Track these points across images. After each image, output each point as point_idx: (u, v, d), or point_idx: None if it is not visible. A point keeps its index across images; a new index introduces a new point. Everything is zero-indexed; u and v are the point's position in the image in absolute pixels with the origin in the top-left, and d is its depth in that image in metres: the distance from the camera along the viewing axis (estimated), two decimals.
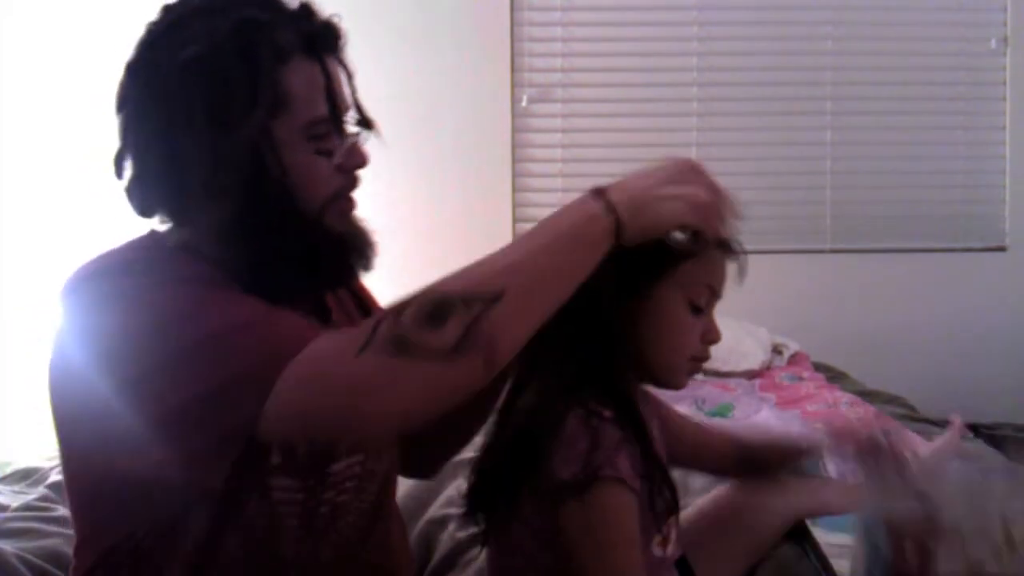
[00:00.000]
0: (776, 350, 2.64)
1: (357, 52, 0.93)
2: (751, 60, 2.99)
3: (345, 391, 0.75)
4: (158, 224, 0.93)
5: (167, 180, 0.87)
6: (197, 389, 0.77)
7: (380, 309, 1.11)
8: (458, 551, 1.30)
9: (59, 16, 2.73)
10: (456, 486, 1.42)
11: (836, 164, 2.99)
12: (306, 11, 0.90)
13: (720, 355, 2.28)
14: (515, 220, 2.96)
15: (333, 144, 0.90)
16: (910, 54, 2.98)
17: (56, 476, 1.63)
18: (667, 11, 2.98)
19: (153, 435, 0.78)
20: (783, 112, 2.99)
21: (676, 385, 0.95)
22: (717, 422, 1.98)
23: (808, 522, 1.15)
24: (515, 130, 2.97)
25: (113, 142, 0.91)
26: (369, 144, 0.93)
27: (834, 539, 1.09)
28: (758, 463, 1.15)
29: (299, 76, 0.87)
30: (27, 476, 1.72)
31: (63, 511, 1.44)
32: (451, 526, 1.35)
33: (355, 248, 0.94)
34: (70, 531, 0.97)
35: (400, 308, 0.77)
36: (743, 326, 2.54)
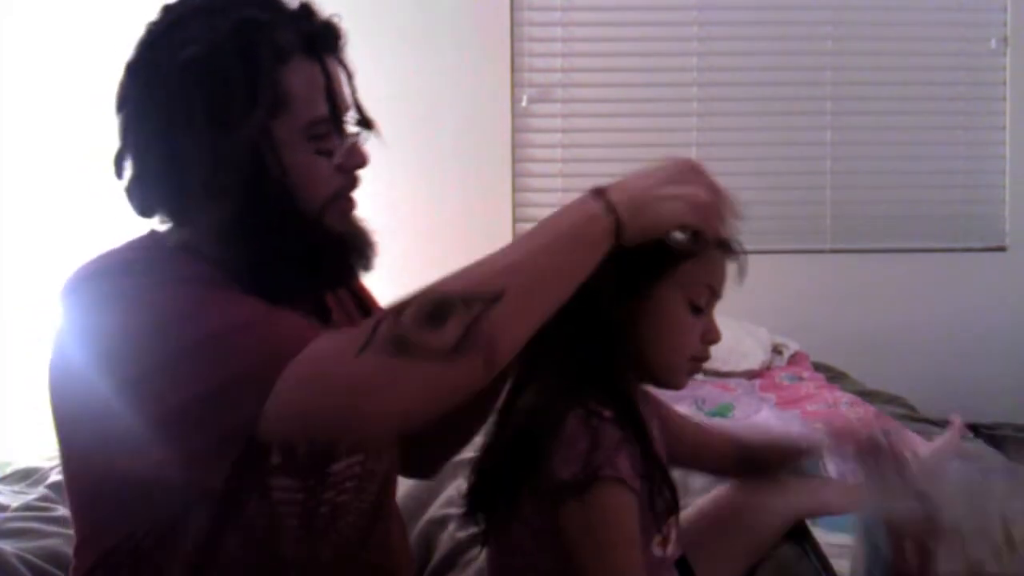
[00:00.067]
0: (776, 350, 2.64)
1: (357, 52, 0.93)
2: (751, 60, 2.99)
3: (345, 391, 0.75)
4: (158, 224, 0.93)
5: (167, 180, 0.87)
6: (197, 389, 0.77)
7: (380, 309, 1.11)
8: (458, 551, 1.30)
9: (59, 16, 2.73)
10: (456, 486, 1.42)
11: (836, 164, 2.99)
12: (306, 11, 0.90)
13: (720, 355, 2.28)
14: (515, 220, 2.96)
15: (333, 144, 0.90)
16: (910, 54, 2.98)
17: (56, 476, 1.63)
18: (667, 11, 2.98)
19: (153, 435, 0.78)
20: (783, 112, 2.99)
21: (676, 385, 0.95)
22: (717, 422, 1.98)
23: (808, 522, 1.15)
24: (515, 130, 2.97)
25: (113, 142, 0.91)
26: (369, 144, 0.93)
27: (834, 539, 1.09)
28: (758, 463, 1.15)
29: (299, 76, 0.87)
30: (27, 476, 1.72)
31: (63, 511, 1.44)
32: (451, 526, 1.35)
33: (355, 248, 0.94)
34: (70, 531, 0.97)
35: (400, 308, 0.77)
36: (743, 326, 2.54)
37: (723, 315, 0.95)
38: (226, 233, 0.89)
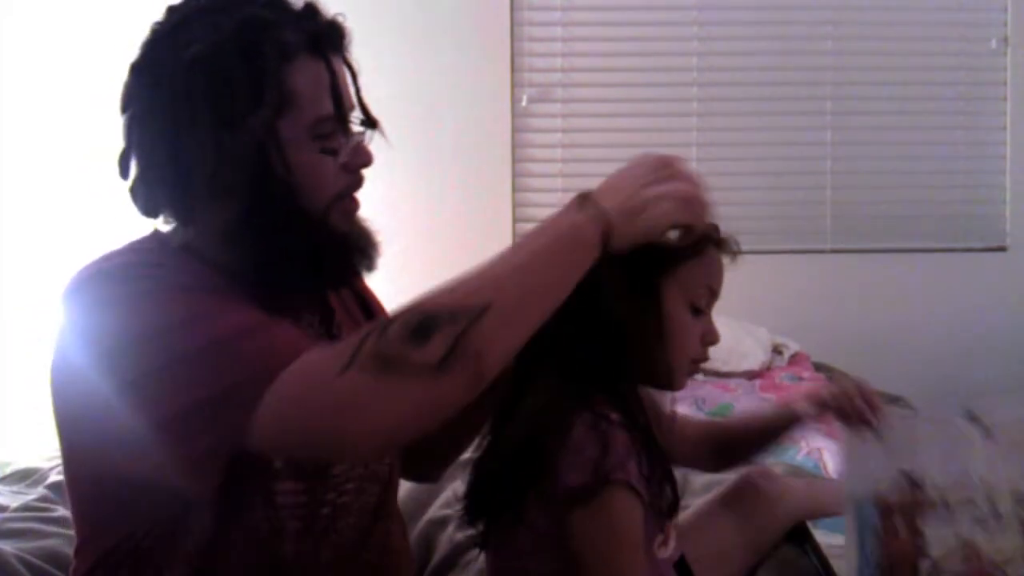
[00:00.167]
0: (776, 350, 2.64)
1: (357, 52, 0.93)
2: (751, 60, 2.99)
3: (328, 410, 0.74)
4: (162, 224, 0.93)
5: (172, 180, 0.87)
6: (185, 399, 0.76)
7: (382, 309, 1.12)
8: (458, 552, 1.29)
9: (59, 16, 2.73)
10: (456, 487, 1.41)
11: (836, 164, 2.99)
12: (311, 10, 0.90)
13: (720, 355, 2.28)
14: (515, 220, 2.95)
15: (338, 143, 0.90)
16: (910, 54, 2.97)
17: (56, 476, 1.62)
18: (667, 11, 2.98)
19: (147, 439, 0.77)
20: (783, 112, 2.99)
21: (676, 386, 0.95)
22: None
23: (808, 523, 1.15)
24: (515, 130, 2.96)
25: (115, 142, 0.91)
26: (371, 144, 0.93)
27: (834, 540, 1.09)
28: (735, 446, 1.14)
29: (304, 75, 0.87)
30: (27, 476, 1.72)
31: (63, 511, 1.44)
32: (451, 527, 1.35)
33: (359, 248, 0.94)
34: (70, 531, 0.97)
35: (386, 324, 0.75)
36: (743, 326, 2.53)
37: (723, 315, 0.95)
38: (230, 233, 0.88)
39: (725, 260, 0.94)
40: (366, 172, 0.93)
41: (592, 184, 0.88)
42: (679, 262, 0.90)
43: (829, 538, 1.10)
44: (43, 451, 1.80)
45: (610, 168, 0.89)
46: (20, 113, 2.65)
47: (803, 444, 1.72)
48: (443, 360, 0.73)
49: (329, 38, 0.90)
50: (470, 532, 1.25)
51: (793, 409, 1.10)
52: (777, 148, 2.99)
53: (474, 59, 2.94)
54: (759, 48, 2.98)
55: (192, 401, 0.76)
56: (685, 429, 1.13)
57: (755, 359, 2.52)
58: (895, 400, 2.22)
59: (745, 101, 2.98)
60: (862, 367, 2.55)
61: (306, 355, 0.77)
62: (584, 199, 0.84)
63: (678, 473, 1.04)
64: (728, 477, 1.21)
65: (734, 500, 1.15)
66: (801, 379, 2.43)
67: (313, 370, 0.76)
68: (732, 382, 2.38)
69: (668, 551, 0.95)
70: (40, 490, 1.59)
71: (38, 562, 1.30)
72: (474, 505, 0.96)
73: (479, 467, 0.96)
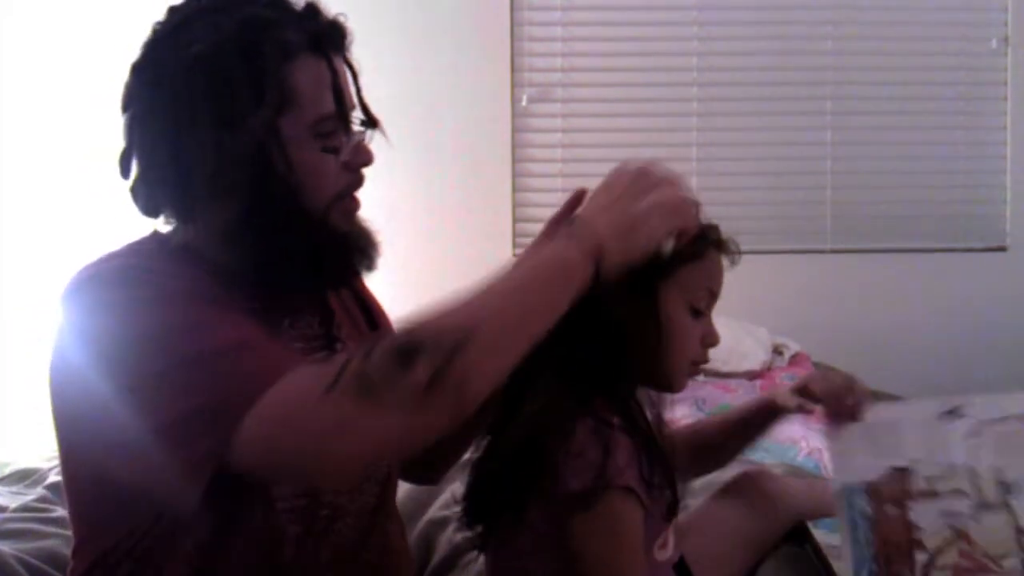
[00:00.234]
0: (777, 351, 2.64)
1: (358, 52, 0.93)
2: (751, 60, 2.98)
3: (307, 434, 0.74)
4: (162, 224, 0.93)
5: (173, 179, 0.87)
6: (170, 412, 0.76)
7: (382, 310, 1.12)
8: (458, 552, 1.29)
9: (60, 16, 2.73)
10: (455, 488, 1.41)
11: (836, 164, 2.99)
12: (312, 10, 0.90)
13: (720, 356, 2.28)
14: (515, 220, 2.95)
15: (339, 141, 0.90)
16: (911, 54, 2.97)
17: (55, 477, 1.62)
18: (667, 11, 2.98)
19: (142, 444, 0.77)
20: (783, 112, 2.99)
21: (676, 388, 0.95)
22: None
23: (808, 523, 1.15)
24: (515, 130, 2.96)
25: (115, 142, 0.91)
26: (372, 144, 0.93)
27: (834, 540, 1.08)
28: (714, 445, 1.13)
29: (306, 73, 0.87)
30: (26, 477, 1.71)
31: (61, 512, 1.43)
32: (451, 527, 1.35)
33: (358, 248, 0.94)
34: (69, 532, 0.97)
35: (370, 348, 0.74)
36: (743, 326, 2.53)
37: (723, 315, 0.95)
38: (231, 232, 0.88)
39: (725, 261, 0.94)
40: (366, 172, 0.93)
41: (592, 184, 0.88)
42: (679, 264, 0.90)
43: (829, 538, 1.10)
44: (42, 451, 1.80)
45: (610, 168, 0.89)
46: (20, 113, 2.65)
47: (803, 444, 1.72)
48: (425, 388, 0.71)
49: (330, 37, 0.90)
50: (469, 533, 1.25)
51: (775, 401, 1.09)
52: (777, 148, 2.99)
53: (474, 59, 2.94)
54: (759, 48, 2.98)
55: (169, 418, 0.76)
56: (672, 440, 1.13)
57: (755, 359, 2.52)
58: (898, 401, 2.22)
59: (745, 101, 2.98)
60: (862, 367, 2.53)
61: (290, 375, 0.75)
62: (573, 224, 0.83)
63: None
64: (728, 477, 1.21)
65: (734, 500, 1.15)
66: None
67: (295, 392, 0.75)
68: (733, 382, 2.38)
69: (668, 553, 0.95)
70: (39, 490, 1.59)
71: (37, 563, 1.30)
72: (474, 506, 0.96)
73: (479, 468, 0.96)
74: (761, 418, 1.11)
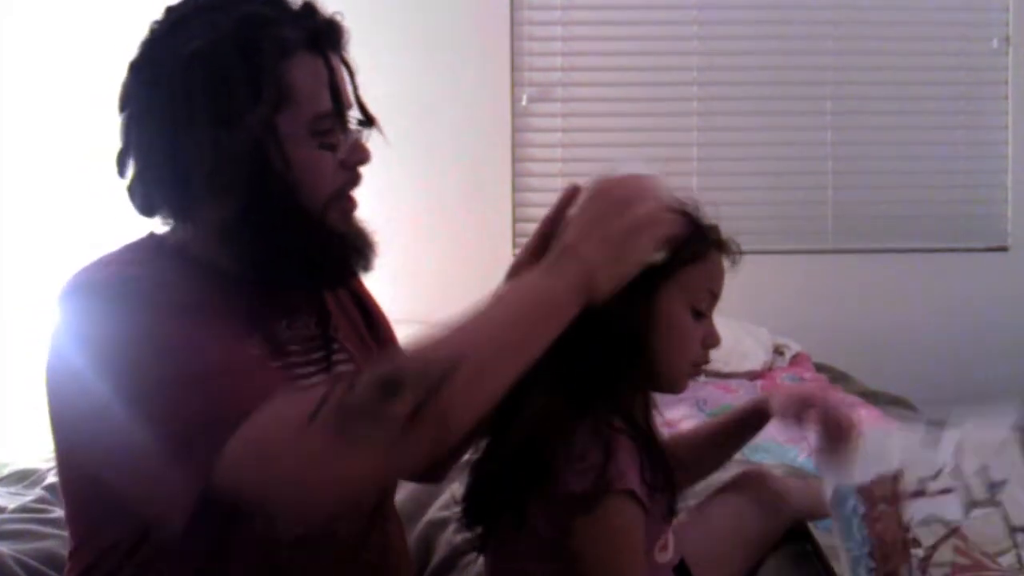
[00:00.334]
0: (778, 351, 2.64)
1: (356, 51, 0.93)
2: (751, 60, 2.99)
3: (282, 466, 0.73)
4: (159, 224, 0.92)
5: (170, 178, 0.87)
6: (158, 432, 0.76)
7: (379, 310, 1.12)
8: (457, 554, 1.29)
9: (59, 16, 2.73)
10: (455, 489, 1.41)
11: (837, 164, 2.99)
12: (309, 9, 0.90)
13: (721, 356, 2.27)
14: (515, 220, 2.95)
15: (337, 139, 0.90)
16: (911, 53, 2.97)
17: (53, 478, 1.62)
18: (667, 11, 2.98)
19: (129, 460, 0.77)
20: (783, 112, 2.99)
21: (677, 390, 0.95)
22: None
23: (808, 523, 1.15)
24: (515, 130, 2.96)
25: (114, 141, 0.90)
26: (369, 143, 0.93)
27: (834, 540, 1.08)
28: (700, 454, 1.12)
29: (303, 71, 0.87)
30: (24, 477, 1.71)
31: (60, 513, 1.43)
32: (450, 528, 1.35)
33: (356, 248, 0.94)
34: (67, 533, 0.97)
35: (354, 378, 0.74)
36: (744, 326, 2.53)
37: (723, 315, 0.94)
38: (228, 231, 0.88)
39: (726, 262, 0.94)
40: (366, 171, 0.93)
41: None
42: (679, 266, 0.89)
43: (829, 538, 1.10)
44: (41, 452, 1.79)
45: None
46: (20, 113, 2.65)
47: (804, 445, 1.72)
48: (409, 419, 0.71)
49: (327, 36, 0.90)
50: (469, 534, 1.25)
51: (768, 405, 1.08)
52: (778, 148, 2.99)
53: (474, 59, 2.94)
54: (759, 48, 2.98)
55: (172, 430, 0.75)
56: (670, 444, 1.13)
57: (756, 359, 2.52)
58: (896, 401, 2.22)
59: (745, 101, 2.98)
60: (862, 367, 2.56)
61: (274, 403, 0.75)
62: (559, 256, 0.82)
63: None
64: (728, 477, 1.21)
65: (734, 501, 1.15)
66: (802, 379, 2.43)
67: (274, 422, 0.74)
68: (733, 383, 2.38)
69: (668, 555, 0.95)
70: (38, 491, 1.59)
71: (35, 564, 1.30)
72: (473, 508, 0.95)
73: (478, 469, 0.96)
74: (750, 423, 1.11)
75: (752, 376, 2.48)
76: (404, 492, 1.36)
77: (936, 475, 0.92)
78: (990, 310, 2.97)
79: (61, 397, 0.87)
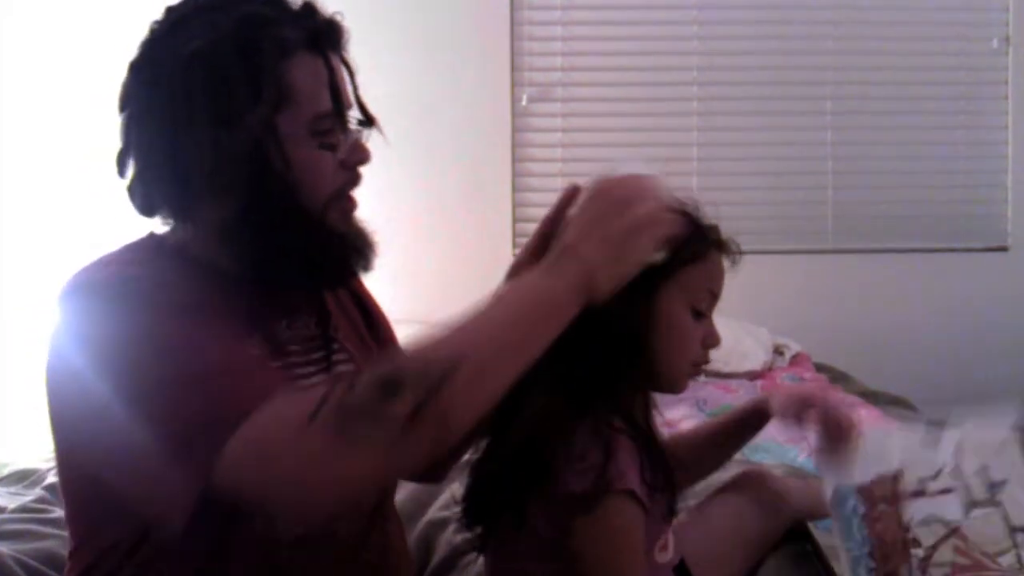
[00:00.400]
0: (778, 351, 2.64)
1: (356, 51, 0.93)
2: (751, 60, 2.99)
3: (282, 466, 0.73)
4: (159, 224, 0.92)
5: (170, 178, 0.87)
6: (158, 432, 0.76)
7: (379, 309, 1.12)
8: (457, 554, 1.29)
9: (59, 16, 2.73)
10: (455, 489, 1.41)
11: (837, 164, 2.99)
12: (309, 8, 0.90)
13: (721, 356, 2.27)
14: (515, 220, 2.95)
15: (337, 139, 0.90)
16: (911, 53, 2.97)
17: (53, 478, 1.62)
18: (667, 11, 2.98)
19: (129, 460, 0.77)
20: (783, 112, 2.99)
21: (677, 390, 0.95)
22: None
23: (808, 523, 1.15)
24: (515, 130, 2.97)
25: (114, 141, 0.90)
26: (369, 143, 0.93)
27: (834, 540, 1.08)
28: (700, 455, 1.12)
29: (303, 70, 0.87)
30: (24, 477, 1.71)
31: (60, 513, 1.43)
32: (450, 528, 1.35)
33: (355, 248, 0.94)
34: (67, 533, 0.97)
35: (354, 379, 0.74)
36: (744, 326, 2.53)
37: (723, 315, 0.94)
38: (228, 231, 0.88)
39: (726, 262, 0.94)
40: (366, 171, 0.93)
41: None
42: (680, 266, 0.89)
43: (829, 538, 1.10)
44: (41, 452, 1.79)
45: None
46: (20, 113, 2.65)
47: (804, 445, 1.72)
48: (409, 419, 0.71)
49: (327, 35, 0.90)
50: (469, 534, 1.25)
51: (768, 405, 1.08)
52: (777, 148, 2.99)
53: (474, 59, 2.94)
54: (759, 48, 2.98)
55: (172, 430, 0.75)
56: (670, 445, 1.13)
57: (756, 359, 2.52)
58: (896, 401, 2.22)
59: (745, 101, 2.98)
60: (862, 367, 2.56)
61: (273, 403, 0.75)
62: (559, 256, 0.82)
63: None
64: (728, 477, 1.21)
65: (734, 501, 1.15)
66: (802, 379, 2.43)
67: (274, 421, 0.74)
68: (733, 383, 2.38)
69: (668, 555, 0.95)
70: (38, 491, 1.59)
71: (35, 564, 1.30)
72: (473, 508, 0.95)
73: (478, 469, 0.96)
74: (750, 423, 1.11)
75: (752, 376, 2.48)
76: (404, 492, 1.36)
77: (936, 475, 0.92)
78: (990, 310, 2.97)
79: (61, 397, 0.87)
